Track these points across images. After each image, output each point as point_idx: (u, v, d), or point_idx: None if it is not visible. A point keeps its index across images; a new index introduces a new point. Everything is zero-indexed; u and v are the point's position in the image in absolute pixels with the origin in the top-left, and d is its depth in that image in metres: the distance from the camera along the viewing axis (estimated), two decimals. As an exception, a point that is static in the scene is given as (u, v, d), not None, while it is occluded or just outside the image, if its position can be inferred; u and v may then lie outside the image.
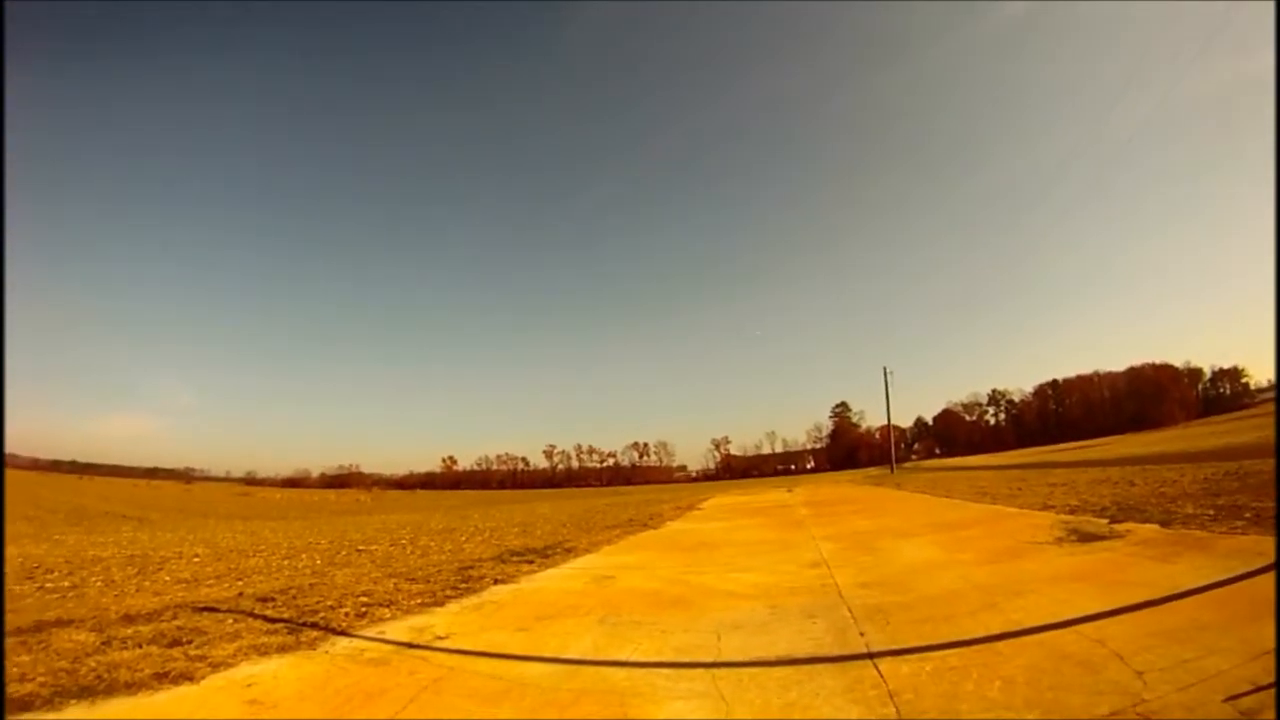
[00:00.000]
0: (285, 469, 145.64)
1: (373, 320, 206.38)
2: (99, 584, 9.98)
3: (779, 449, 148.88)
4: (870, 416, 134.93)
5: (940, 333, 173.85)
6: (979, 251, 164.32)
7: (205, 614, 7.08)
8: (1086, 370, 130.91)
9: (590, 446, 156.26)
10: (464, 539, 16.25)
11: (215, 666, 5.11)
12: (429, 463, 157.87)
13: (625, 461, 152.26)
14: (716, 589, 7.38)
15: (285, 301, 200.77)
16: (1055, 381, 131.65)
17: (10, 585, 9.72)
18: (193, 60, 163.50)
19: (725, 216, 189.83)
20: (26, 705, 4.41)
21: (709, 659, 4.70)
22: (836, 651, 4.58)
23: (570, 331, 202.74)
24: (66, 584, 9.97)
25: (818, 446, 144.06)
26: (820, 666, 4.30)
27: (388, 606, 7.34)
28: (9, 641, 5.84)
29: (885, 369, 64.81)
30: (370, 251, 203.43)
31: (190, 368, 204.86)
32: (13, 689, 4.66)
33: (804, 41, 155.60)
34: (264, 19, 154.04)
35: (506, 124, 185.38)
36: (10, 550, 14.40)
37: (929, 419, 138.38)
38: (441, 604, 7.43)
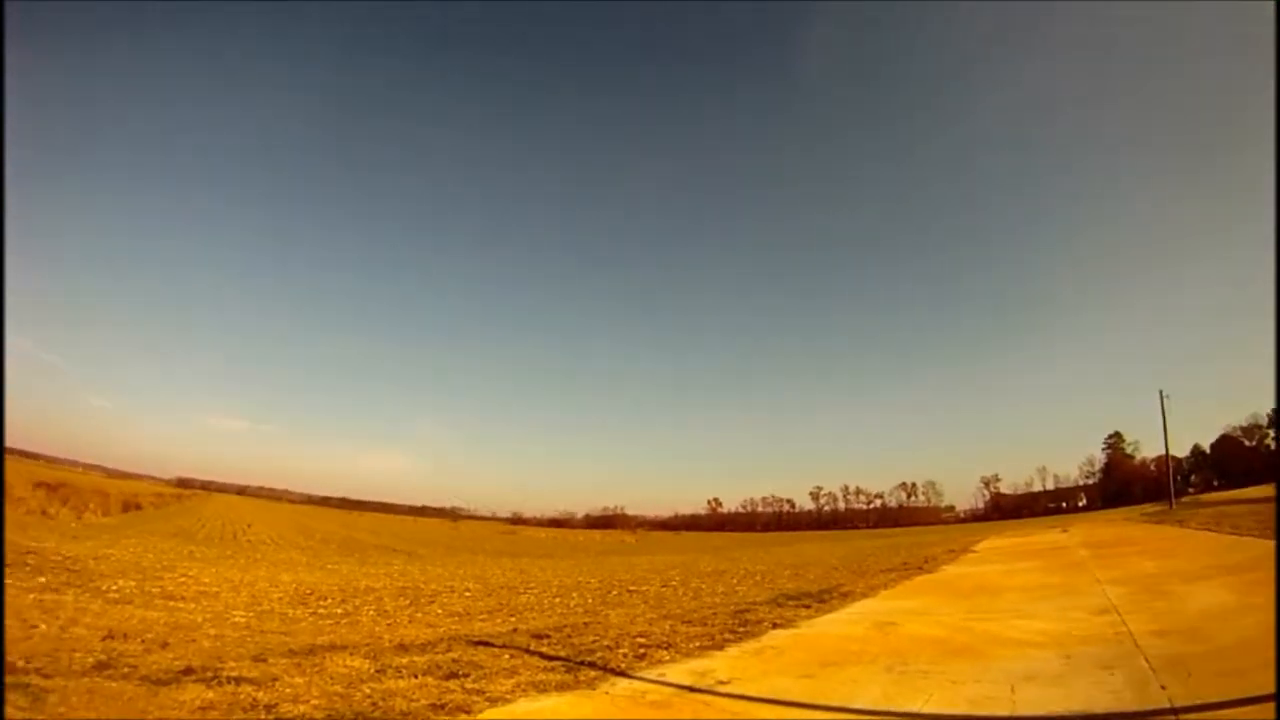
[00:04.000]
0: (549, 510, 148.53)
1: (641, 365, 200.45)
2: (371, 613, 10.12)
3: (1050, 485, 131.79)
4: (1145, 446, 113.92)
5: (1220, 345, 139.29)
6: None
7: (480, 648, 6.87)
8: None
9: (857, 487, 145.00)
10: (735, 581, 15.80)
11: (493, 701, 4.79)
12: (694, 504, 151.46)
13: (892, 502, 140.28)
14: (1003, 636, 7.05)
15: (551, 347, 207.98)
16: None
17: (284, 609, 10.12)
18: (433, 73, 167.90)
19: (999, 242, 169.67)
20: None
21: (1004, 712, 4.42)
22: (1138, 706, 4.28)
23: (838, 375, 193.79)
24: (339, 610, 10.24)
25: (1089, 481, 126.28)
26: (1123, 722, 4.06)
27: (666, 649, 6.89)
28: (283, 663, 5.73)
29: (1161, 393, 53.05)
30: (637, 298, 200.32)
31: (454, 411, 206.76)
32: (286, 709, 4.39)
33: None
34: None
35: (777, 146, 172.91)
36: (284, 576, 15.66)
37: (1205, 446, 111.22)
38: (720, 647, 7.02)
